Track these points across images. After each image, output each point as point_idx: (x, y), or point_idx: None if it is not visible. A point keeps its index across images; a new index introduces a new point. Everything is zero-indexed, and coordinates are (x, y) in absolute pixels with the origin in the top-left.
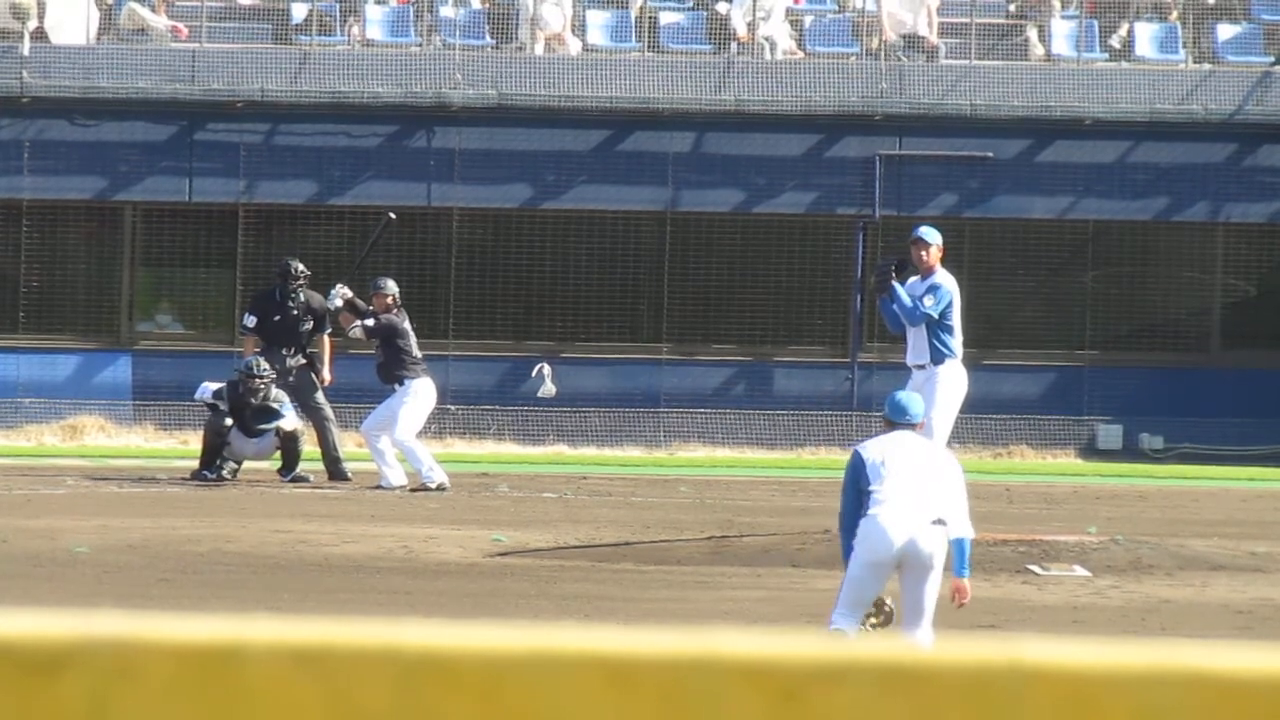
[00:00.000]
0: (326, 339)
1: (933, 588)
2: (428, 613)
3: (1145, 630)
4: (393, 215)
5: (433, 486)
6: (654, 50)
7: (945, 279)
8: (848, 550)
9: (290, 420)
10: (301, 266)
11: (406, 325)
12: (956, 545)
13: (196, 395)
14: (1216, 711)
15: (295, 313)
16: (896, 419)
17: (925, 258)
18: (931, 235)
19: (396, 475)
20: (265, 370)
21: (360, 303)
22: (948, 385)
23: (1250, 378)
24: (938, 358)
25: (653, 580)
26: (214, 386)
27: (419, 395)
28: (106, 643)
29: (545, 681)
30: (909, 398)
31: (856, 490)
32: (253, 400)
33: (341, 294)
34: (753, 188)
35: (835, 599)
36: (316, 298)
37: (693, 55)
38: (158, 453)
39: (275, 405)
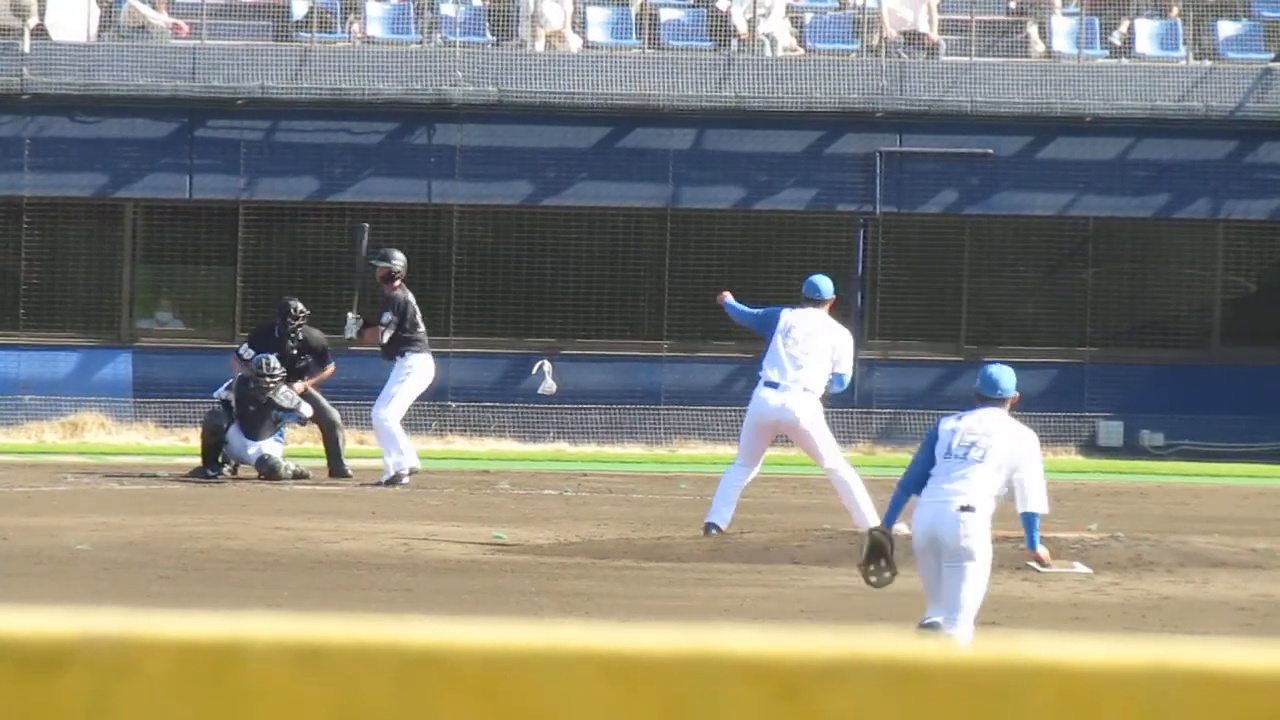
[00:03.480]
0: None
1: (966, 581)
2: (428, 610)
3: (1146, 627)
4: (366, 224)
5: (405, 474)
6: (654, 47)
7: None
8: (890, 510)
9: (306, 410)
10: (300, 306)
11: (412, 300)
12: (1025, 520)
13: (215, 394)
14: (1217, 709)
15: (294, 351)
16: (987, 393)
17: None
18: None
19: (410, 457)
20: (276, 369)
21: (372, 318)
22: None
23: (1251, 374)
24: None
25: (653, 577)
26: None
27: (417, 372)
28: (107, 640)
29: (545, 679)
30: (1000, 372)
31: (929, 457)
32: (261, 398)
33: (356, 325)
34: (753, 185)
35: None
36: (315, 336)
37: (693, 52)
38: (158, 450)
39: (285, 403)
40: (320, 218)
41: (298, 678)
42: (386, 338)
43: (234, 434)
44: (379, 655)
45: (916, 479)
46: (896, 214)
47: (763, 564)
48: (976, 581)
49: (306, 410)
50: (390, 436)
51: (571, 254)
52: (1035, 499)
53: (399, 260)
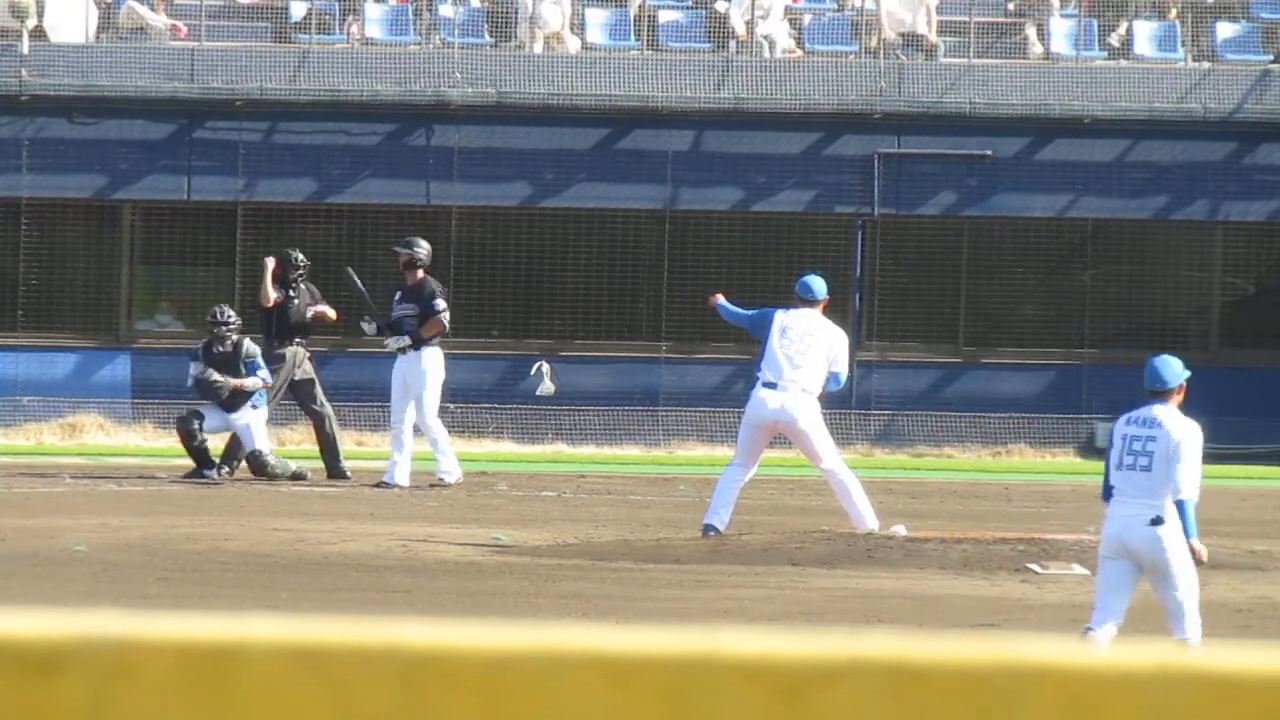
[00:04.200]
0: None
1: (1179, 588)
2: (427, 611)
3: (1144, 629)
4: (349, 268)
5: (450, 481)
6: (653, 48)
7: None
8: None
9: (252, 383)
10: (301, 256)
11: None
12: (1178, 508)
13: (188, 380)
14: (1216, 710)
15: (297, 301)
16: (1152, 386)
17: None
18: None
19: (451, 465)
20: (230, 317)
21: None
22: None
23: (1249, 376)
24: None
25: (651, 579)
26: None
27: (435, 367)
28: (105, 642)
29: (545, 680)
30: (1163, 363)
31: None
32: (220, 349)
33: (372, 328)
34: (752, 186)
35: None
36: (315, 291)
37: (691, 53)
38: (156, 451)
39: (250, 358)
40: (319, 219)
41: (297, 679)
42: (446, 320)
43: (210, 412)
44: (378, 657)
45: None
46: (895, 215)
47: (761, 565)
48: (1188, 584)
49: (253, 383)
50: (436, 443)
51: (570, 255)
52: (1185, 486)
53: (423, 248)
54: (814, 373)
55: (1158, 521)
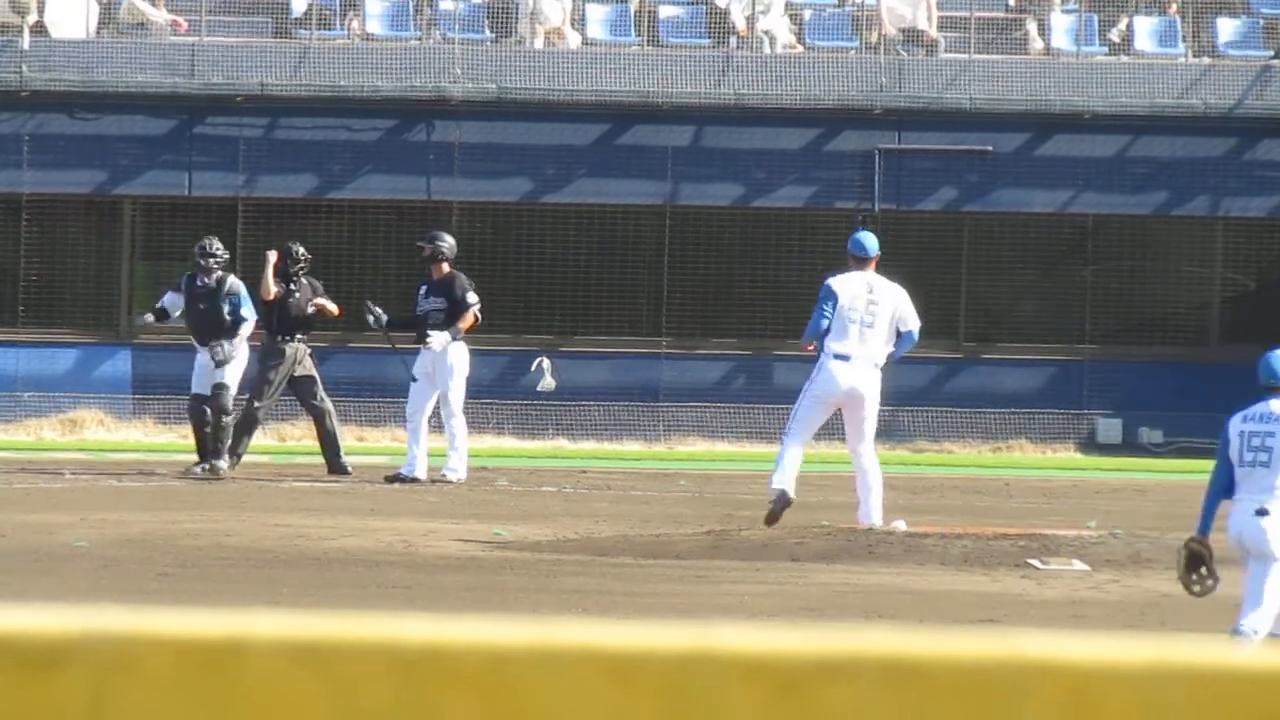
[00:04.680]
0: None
1: (1270, 579)
2: (427, 607)
3: (1144, 625)
4: (369, 318)
5: (453, 479)
6: (653, 44)
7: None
8: (1203, 516)
9: (239, 351)
10: (303, 250)
11: None
12: None
13: (149, 317)
14: (1215, 707)
15: (298, 295)
16: (1267, 381)
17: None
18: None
19: (460, 463)
20: (218, 250)
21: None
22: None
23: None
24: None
25: (652, 574)
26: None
27: (462, 362)
28: (106, 637)
29: (546, 676)
30: (1278, 357)
31: (1225, 461)
32: (203, 282)
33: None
34: (752, 182)
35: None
36: (318, 285)
37: (692, 49)
38: (157, 447)
39: (234, 294)
40: (319, 215)
41: (297, 675)
42: (476, 307)
43: (199, 364)
44: (379, 652)
45: (1220, 483)
46: (895, 211)
47: (761, 561)
48: (1275, 581)
49: (246, 331)
50: (454, 438)
51: (570, 251)
52: None
53: (446, 242)
54: (881, 344)
55: (1262, 513)
